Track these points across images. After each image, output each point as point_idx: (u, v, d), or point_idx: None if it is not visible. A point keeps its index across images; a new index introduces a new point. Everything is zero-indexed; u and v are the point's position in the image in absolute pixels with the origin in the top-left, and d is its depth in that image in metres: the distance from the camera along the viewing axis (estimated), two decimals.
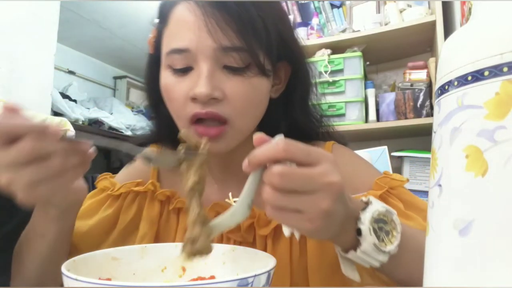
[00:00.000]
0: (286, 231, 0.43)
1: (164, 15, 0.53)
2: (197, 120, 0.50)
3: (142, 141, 0.66)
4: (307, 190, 0.35)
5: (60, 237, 0.51)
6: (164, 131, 0.62)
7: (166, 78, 0.52)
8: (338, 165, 0.37)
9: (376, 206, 0.42)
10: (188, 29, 0.49)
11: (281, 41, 0.53)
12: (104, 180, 0.65)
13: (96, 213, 0.62)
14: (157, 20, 0.56)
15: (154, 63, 0.56)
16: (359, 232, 0.40)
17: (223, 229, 0.41)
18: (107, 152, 3.13)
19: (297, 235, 0.42)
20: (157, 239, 0.60)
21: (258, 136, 0.37)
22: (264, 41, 0.50)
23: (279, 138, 0.37)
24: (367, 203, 0.42)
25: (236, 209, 0.40)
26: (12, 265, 0.55)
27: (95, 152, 0.43)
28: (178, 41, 0.49)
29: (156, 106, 0.59)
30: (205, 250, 0.38)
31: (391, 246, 0.41)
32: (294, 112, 0.60)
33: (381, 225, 0.41)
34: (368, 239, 0.40)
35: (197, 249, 0.37)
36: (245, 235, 0.56)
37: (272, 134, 0.39)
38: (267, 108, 0.56)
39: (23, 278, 0.53)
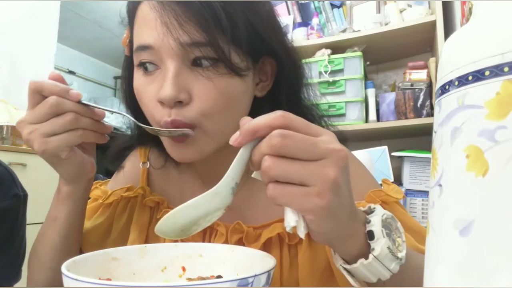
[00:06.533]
0: (291, 220, 0.34)
1: (131, 14, 0.51)
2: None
3: (128, 144, 0.65)
4: (311, 157, 0.32)
5: (71, 221, 0.54)
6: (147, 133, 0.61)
7: (137, 79, 0.50)
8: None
9: (383, 210, 0.40)
10: (150, 27, 0.46)
11: (255, 34, 0.49)
12: (95, 190, 0.65)
13: (89, 220, 0.63)
14: (127, 20, 0.54)
15: (130, 64, 0.54)
16: (370, 236, 0.38)
17: (198, 215, 0.36)
18: (104, 149, 3.15)
19: (302, 233, 0.34)
20: None
21: (245, 118, 0.35)
22: (229, 35, 0.46)
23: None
24: (370, 208, 0.41)
25: (218, 192, 0.35)
26: (29, 261, 0.58)
27: (111, 127, 0.52)
28: (142, 39, 0.47)
29: (135, 109, 0.57)
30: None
31: (402, 253, 0.38)
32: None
33: (387, 231, 0.39)
34: (381, 241, 0.37)
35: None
36: None
37: None
38: (254, 108, 0.53)
39: (40, 273, 0.56)
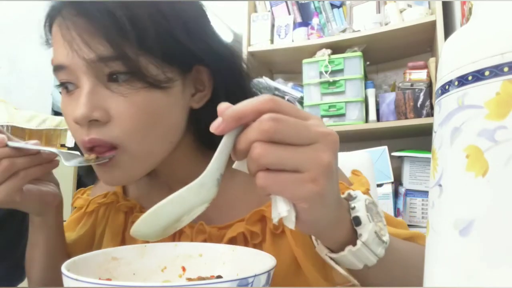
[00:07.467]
0: (283, 210, 0.32)
1: (48, 34, 0.50)
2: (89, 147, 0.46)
3: None
4: (304, 141, 0.30)
5: (50, 244, 0.55)
6: None
7: (62, 100, 0.48)
8: None
9: (364, 195, 0.40)
10: (59, 46, 0.45)
11: (173, 41, 0.45)
12: (79, 200, 0.65)
13: (73, 231, 0.63)
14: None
15: None
16: (356, 222, 0.37)
17: (183, 211, 0.34)
18: None
19: (292, 223, 0.32)
20: None
21: (223, 103, 0.32)
22: (137, 44, 0.43)
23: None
24: (350, 195, 0.40)
25: (204, 184, 0.33)
26: (27, 276, 0.60)
27: (55, 153, 0.48)
28: (56, 58, 0.46)
29: None
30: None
31: (386, 237, 0.38)
32: None
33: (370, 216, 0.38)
34: (368, 226, 0.37)
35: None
36: None
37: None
38: (194, 120, 0.51)
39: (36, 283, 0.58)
